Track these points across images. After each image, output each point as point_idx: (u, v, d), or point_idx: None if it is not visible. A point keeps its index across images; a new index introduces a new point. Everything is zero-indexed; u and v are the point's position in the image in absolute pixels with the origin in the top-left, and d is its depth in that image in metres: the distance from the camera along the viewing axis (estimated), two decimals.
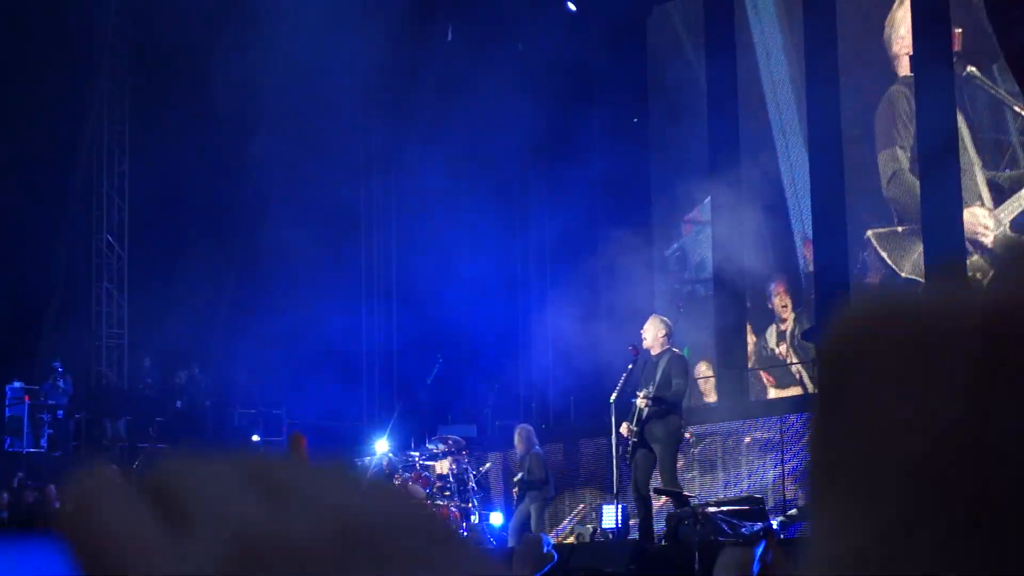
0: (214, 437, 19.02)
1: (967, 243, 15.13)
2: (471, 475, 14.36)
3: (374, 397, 21.50)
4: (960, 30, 15.48)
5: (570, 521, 15.61)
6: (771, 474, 14.48)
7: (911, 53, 16.10)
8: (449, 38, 20.15)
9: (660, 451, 11.17)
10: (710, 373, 17.62)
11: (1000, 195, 15.19)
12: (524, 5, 18.94)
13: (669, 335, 11.45)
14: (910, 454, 0.43)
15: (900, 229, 16.09)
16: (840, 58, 16.66)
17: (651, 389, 11.11)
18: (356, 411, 20.72)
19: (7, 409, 18.95)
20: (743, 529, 10.68)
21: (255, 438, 19.42)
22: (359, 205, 22.18)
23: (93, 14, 20.48)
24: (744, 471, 15.17)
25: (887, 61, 16.50)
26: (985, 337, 0.42)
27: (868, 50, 16.57)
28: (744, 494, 13.26)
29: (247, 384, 20.18)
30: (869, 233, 16.33)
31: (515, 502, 13.56)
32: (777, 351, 17.30)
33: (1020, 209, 14.94)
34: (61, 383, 19.39)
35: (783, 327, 17.24)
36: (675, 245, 18.65)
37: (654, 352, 11.38)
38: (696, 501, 11.82)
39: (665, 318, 11.79)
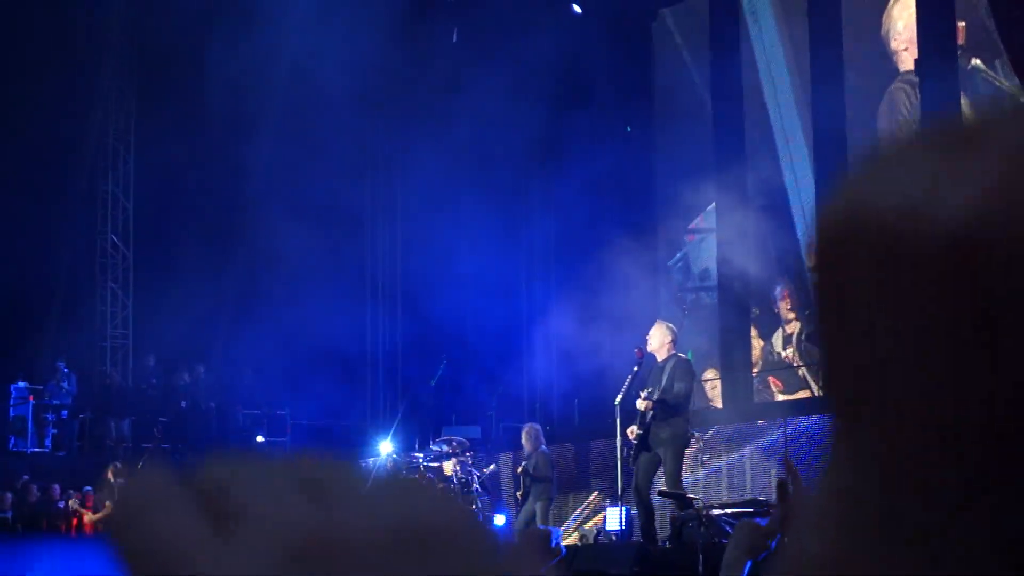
0: (218, 437, 19.03)
1: None
2: (475, 476, 14.36)
3: (378, 398, 21.52)
4: (963, 23, 15.44)
5: (574, 520, 15.60)
6: (776, 477, 14.46)
7: (908, 48, 16.05)
8: (454, 39, 20.16)
9: (664, 454, 11.17)
10: (716, 379, 17.59)
11: None
12: (526, 6, 18.92)
13: (675, 340, 11.47)
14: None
15: None
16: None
17: (655, 391, 11.11)
18: (360, 412, 20.72)
19: (11, 409, 18.97)
20: None
21: (259, 438, 19.44)
22: (363, 205, 22.18)
23: (98, 14, 20.49)
24: (748, 474, 15.16)
25: (886, 58, 16.46)
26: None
27: (867, 48, 16.52)
28: (748, 497, 13.26)
29: (251, 384, 20.20)
30: None
31: (519, 502, 13.58)
32: (783, 355, 17.27)
33: None
34: (65, 383, 19.41)
35: (789, 330, 17.22)
36: (678, 255, 18.63)
37: (660, 357, 11.39)
38: (700, 503, 11.81)
39: (671, 324, 11.81)
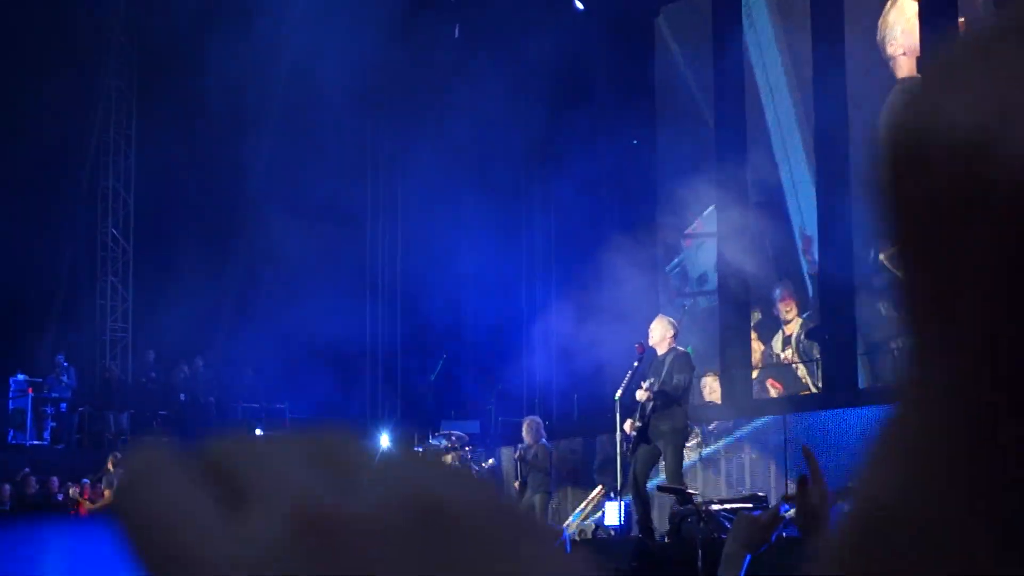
0: (217, 431, 19.00)
1: None
2: (474, 471, 14.40)
3: (376, 393, 21.56)
4: (963, 19, 15.50)
5: (574, 518, 15.66)
6: (774, 472, 14.55)
7: (906, 53, 16.10)
8: (456, 35, 20.22)
9: (665, 447, 11.22)
10: (716, 383, 17.65)
11: None
12: (526, 5, 18.98)
13: (676, 335, 11.55)
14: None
15: None
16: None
17: (655, 383, 11.17)
18: (358, 407, 20.76)
19: (11, 402, 18.98)
20: None
21: (257, 432, 19.41)
22: (362, 203, 22.23)
23: (99, 13, 20.54)
24: (747, 469, 15.24)
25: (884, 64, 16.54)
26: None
27: (867, 56, 16.61)
28: (747, 492, 13.33)
29: (250, 379, 20.23)
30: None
31: (518, 493, 13.62)
32: (782, 356, 17.33)
33: None
34: (65, 376, 19.43)
35: (787, 331, 17.29)
36: (675, 260, 18.67)
37: (660, 351, 11.45)
38: (699, 498, 11.87)
39: (672, 319, 11.88)
